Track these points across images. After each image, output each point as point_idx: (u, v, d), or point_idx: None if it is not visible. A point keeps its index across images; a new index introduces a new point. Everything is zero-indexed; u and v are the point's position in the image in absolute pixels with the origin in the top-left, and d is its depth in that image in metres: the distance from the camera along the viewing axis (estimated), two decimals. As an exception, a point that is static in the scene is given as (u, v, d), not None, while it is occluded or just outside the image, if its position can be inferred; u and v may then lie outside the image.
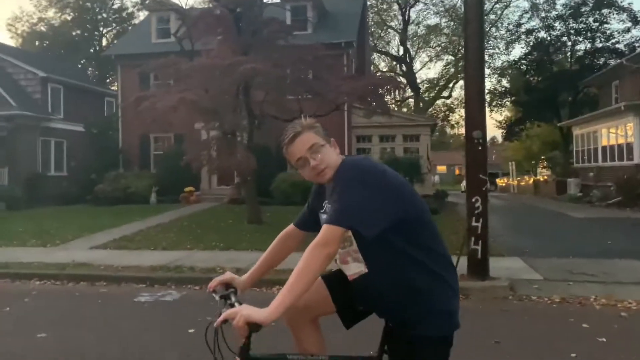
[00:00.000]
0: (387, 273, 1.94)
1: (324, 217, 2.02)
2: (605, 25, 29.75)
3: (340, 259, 2.02)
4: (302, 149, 1.96)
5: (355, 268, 1.99)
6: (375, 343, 2.14)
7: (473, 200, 6.83)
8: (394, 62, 43.84)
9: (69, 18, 39.29)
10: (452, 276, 2.03)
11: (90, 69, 40.27)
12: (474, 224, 6.75)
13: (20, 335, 4.90)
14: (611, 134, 19.57)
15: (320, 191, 2.16)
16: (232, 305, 1.97)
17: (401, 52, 41.71)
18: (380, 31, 41.88)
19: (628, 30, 29.50)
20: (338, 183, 1.89)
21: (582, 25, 29.84)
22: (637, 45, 28.15)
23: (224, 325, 1.84)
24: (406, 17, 39.51)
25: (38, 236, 10.73)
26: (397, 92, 34.54)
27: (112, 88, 30.76)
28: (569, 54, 31.61)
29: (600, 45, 30.02)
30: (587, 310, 5.53)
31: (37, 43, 38.10)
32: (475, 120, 7.07)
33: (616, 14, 29.28)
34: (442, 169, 58.05)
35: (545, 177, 30.01)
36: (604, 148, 20.16)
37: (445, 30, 40.06)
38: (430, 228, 2.00)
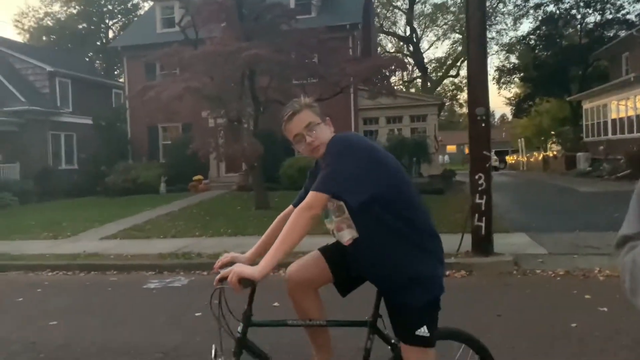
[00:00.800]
0: (372, 240, 2.09)
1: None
2: (616, -4, 29.18)
3: (336, 227, 2.15)
4: (299, 127, 2.11)
5: (348, 234, 2.12)
6: (370, 309, 2.25)
7: (476, 177, 6.82)
8: (401, 43, 43.51)
9: (74, 11, 39.41)
10: (434, 245, 2.14)
11: (97, 61, 40.44)
12: (477, 200, 6.76)
13: (33, 323, 5.03)
14: (621, 106, 19.32)
15: (315, 172, 2.26)
16: None
17: (408, 32, 41.35)
18: (386, 12, 41.52)
19: (639, 0, 28.95)
20: (327, 155, 2.04)
21: (591, -3, 29.28)
22: (647, 15, 27.60)
23: (228, 296, 2.04)
24: (412, -3, 39.06)
25: (50, 229, 10.92)
26: (403, 73, 34.35)
27: (120, 80, 30.92)
28: (578, 27, 31.02)
29: (610, 16, 29.45)
30: (591, 282, 5.54)
31: (44, 38, 38.34)
32: (479, 97, 7.04)
33: (626, -17, 28.71)
34: (451, 148, 57.63)
35: (555, 153, 29.70)
36: (613, 121, 19.92)
37: (451, 8, 39.70)
38: (414, 202, 2.12)
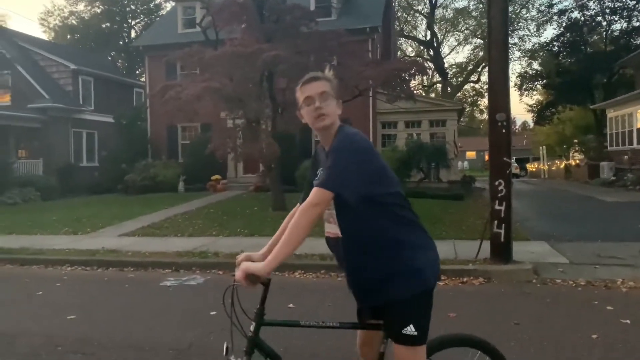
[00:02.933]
0: (357, 236, 2.10)
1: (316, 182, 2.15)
2: (643, 3, 28.64)
3: (326, 219, 2.20)
4: (314, 91, 2.13)
5: (335, 228, 2.16)
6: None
7: (496, 183, 6.73)
8: (421, 47, 43.24)
9: (98, 11, 40.05)
10: (420, 237, 2.16)
11: (119, 60, 41.06)
12: (497, 207, 6.66)
13: (52, 317, 5.10)
14: (647, 115, 18.93)
15: (315, 163, 2.34)
16: None
17: (428, 37, 41.11)
18: (406, 15, 41.34)
19: (667, 8, 28.36)
20: (333, 151, 2.06)
21: (618, 4, 28.74)
22: (675, 23, 27.05)
23: (243, 295, 2.07)
24: (433, 1, 38.84)
25: (70, 225, 11.07)
26: (423, 77, 34.15)
27: (141, 79, 31.29)
28: (604, 34, 30.50)
29: (637, 24, 28.91)
30: (613, 293, 5.42)
31: (68, 36, 39.01)
32: (499, 103, 6.94)
33: (654, -10, 28.15)
34: (471, 154, 57.19)
35: (577, 161, 29.22)
36: (639, 130, 19.52)
37: (473, 13, 39.32)
38: (399, 199, 2.15)
